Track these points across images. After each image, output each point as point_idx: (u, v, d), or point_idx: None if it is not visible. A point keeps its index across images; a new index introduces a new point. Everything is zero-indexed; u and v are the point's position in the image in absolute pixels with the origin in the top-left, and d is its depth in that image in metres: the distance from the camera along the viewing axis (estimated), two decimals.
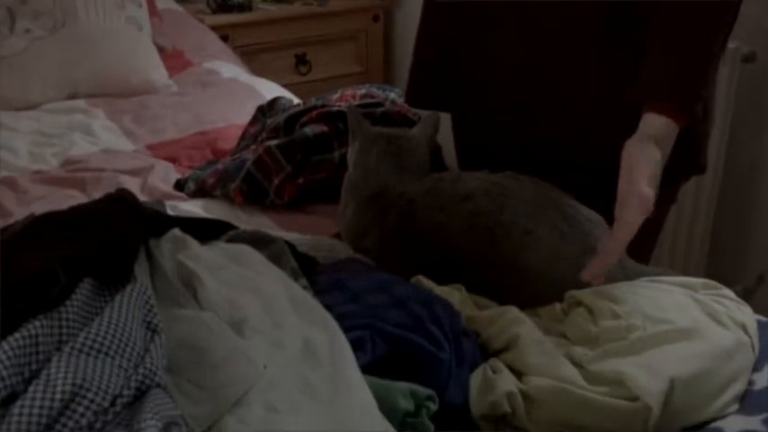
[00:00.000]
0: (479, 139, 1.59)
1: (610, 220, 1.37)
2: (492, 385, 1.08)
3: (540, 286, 1.29)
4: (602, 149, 1.34)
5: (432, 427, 1.03)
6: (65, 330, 0.98)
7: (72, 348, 0.94)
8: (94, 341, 0.95)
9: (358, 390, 0.98)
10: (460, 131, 1.65)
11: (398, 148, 1.48)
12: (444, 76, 1.57)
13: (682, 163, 1.47)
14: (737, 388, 1.11)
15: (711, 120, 1.49)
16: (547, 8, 1.42)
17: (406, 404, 1.02)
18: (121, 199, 1.27)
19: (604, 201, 1.38)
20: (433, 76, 1.60)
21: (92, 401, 0.87)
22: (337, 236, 1.55)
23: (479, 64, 1.51)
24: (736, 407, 1.10)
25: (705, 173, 1.55)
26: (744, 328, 1.18)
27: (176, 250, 1.18)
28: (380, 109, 1.76)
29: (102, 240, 1.12)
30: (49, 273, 1.03)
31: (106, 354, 0.94)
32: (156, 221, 1.23)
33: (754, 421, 1.06)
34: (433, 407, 1.04)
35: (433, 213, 1.36)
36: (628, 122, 1.32)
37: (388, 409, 0.99)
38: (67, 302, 1.01)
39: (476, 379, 1.11)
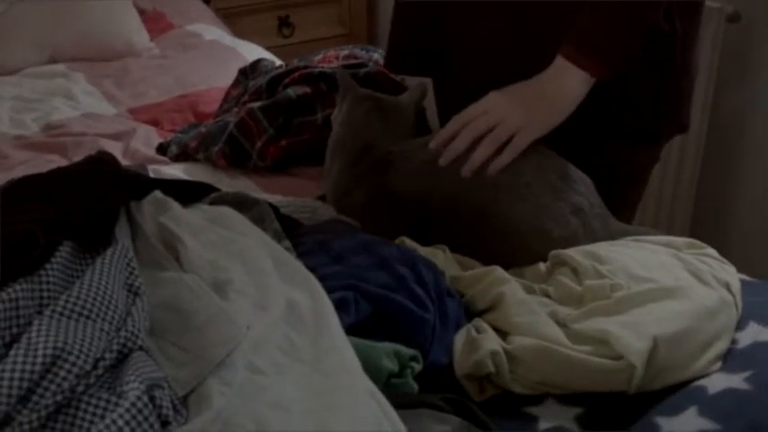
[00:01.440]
0: (461, 103, 1.58)
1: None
2: (476, 345, 1.08)
3: (528, 242, 1.29)
4: (581, 110, 1.34)
5: (416, 386, 1.03)
6: (45, 294, 0.98)
7: (53, 312, 0.93)
8: (75, 304, 0.94)
9: (342, 350, 0.98)
10: (442, 96, 1.64)
11: (387, 108, 1.47)
12: (424, 42, 1.56)
13: (663, 122, 1.47)
14: (721, 346, 1.11)
15: (692, 79, 1.49)
16: None
17: (390, 364, 1.02)
18: (101, 161, 1.25)
19: (581, 160, 1.39)
20: (412, 41, 1.59)
21: (73, 365, 0.87)
22: (321, 198, 1.54)
23: (459, 29, 1.49)
24: (719, 365, 1.10)
25: (688, 132, 1.55)
26: (727, 286, 1.18)
27: (158, 213, 1.17)
28: (364, 70, 1.74)
29: (82, 203, 1.11)
30: (28, 235, 1.03)
31: (87, 317, 0.94)
32: (136, 184, 1.22)
33: (737, 379, 1.06)
34: (417, 367, 1.05)
35: (423, 170, 1.35)
36: (606, 86, 1.33)
37: (372, 369, 0.98)
38: (48, 266, 1.01)
39: (460, 339, 1.11)
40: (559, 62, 1.33)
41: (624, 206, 1.53)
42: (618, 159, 1.48)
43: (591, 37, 1.32)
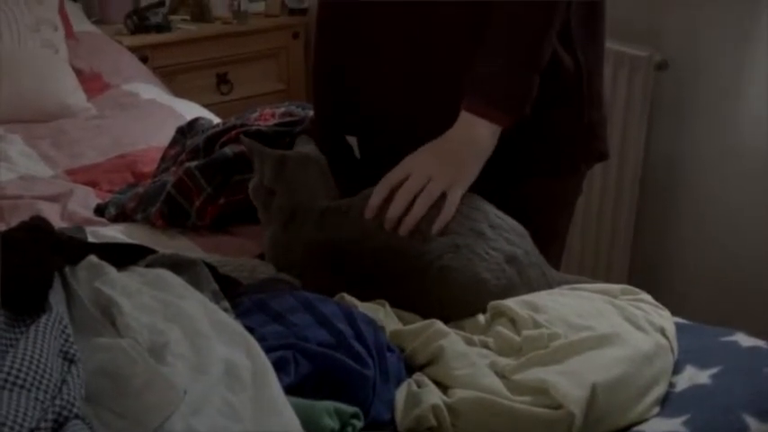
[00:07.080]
0: (385, 158, 1.58)
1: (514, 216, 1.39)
2: (417, 399, 1.08)
3: (465, 294, 1.29)
4: (500, 149, 1.37)
5: None
6: None
7: None
8: (9, 374, 0.92)
9: (282, 411, 0.97)
10: (366, 151, 1.65)
11: (301, 162, 1.48)
12: (343, 103, 1.59)
13: (580, 152, 1.52)
14: (658, 391, 1.13)
15: (604, 107, 1.56)
16: (419, 16, 1.43)
17: (332, 423, 1.01)
18: (35, 227, 1.23)
19: (507, 195, 1.42)
20: (334, 105, 1.63)
21: None
22: (261, 257, 1.54)
23: (371, 84, 1.53)
24: (657, 410, 1.12)
25: (608, 159, 1.62)
26: (662, 331, 1.20)
27: (93, 277, 1.16)
28: (300, 127, 1.75)
29: (15, 270, 1.09)
30: None
31: (21, 386, 0.92)
32: (71, 249, 1.21)
33: (675, 423, 1.08)
34: (359, 424, 1.04)
35: (356, 224, 1.36)
36: (520, 124, 1.36)
37: (312, 428, 0.98)
38: None
39: (401, 394, 1.11)
40: (464, 116, 1.37)
41: (553, 237, 1.57)
42: (543, 192, 1.53)
43: (489, 88, 1.37)
